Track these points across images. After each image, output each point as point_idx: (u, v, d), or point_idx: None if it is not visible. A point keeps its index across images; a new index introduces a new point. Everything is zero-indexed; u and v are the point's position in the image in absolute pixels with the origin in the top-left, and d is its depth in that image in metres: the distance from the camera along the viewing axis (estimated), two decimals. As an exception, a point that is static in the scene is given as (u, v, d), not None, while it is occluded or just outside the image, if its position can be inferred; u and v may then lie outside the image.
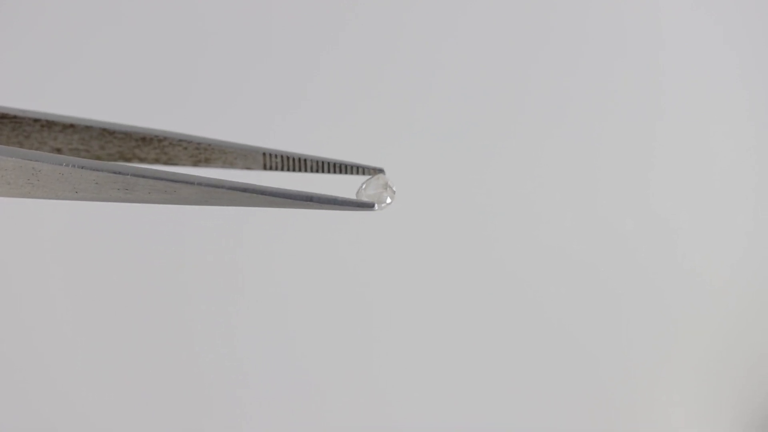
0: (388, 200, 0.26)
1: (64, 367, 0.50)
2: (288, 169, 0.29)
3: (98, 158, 0.33)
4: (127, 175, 0.27)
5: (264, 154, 0.29)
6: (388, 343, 0.57)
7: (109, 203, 0.27)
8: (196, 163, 0.32)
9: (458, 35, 0.60)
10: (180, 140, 0.30)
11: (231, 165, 0.31)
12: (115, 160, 0.32)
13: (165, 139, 0.30)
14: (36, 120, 0.30)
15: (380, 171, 0.28)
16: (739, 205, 0.64)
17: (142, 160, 0.32)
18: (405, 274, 0.57)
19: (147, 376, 0.52)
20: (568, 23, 0.62)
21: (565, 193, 0.61)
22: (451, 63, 0.60)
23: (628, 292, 0.61)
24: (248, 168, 0.30)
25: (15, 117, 0.30)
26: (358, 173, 0.28)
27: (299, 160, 0.29)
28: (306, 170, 0.29)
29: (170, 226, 0.46)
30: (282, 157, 0.29)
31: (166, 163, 0.32)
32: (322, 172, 0.29)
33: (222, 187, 0.27)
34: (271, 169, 0.30)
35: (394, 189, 0.27)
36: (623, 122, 0.62)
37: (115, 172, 0.27)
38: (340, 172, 0.29)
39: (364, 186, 0.27)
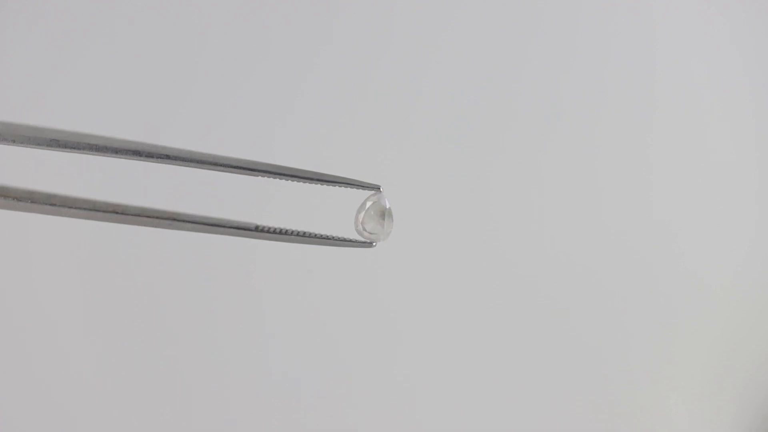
0: (388, 235, 0.26)
1: (75, 372, 0.51)
2: (279, 176, 0.28)
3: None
4: (127, 215, 0.27)
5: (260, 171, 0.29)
6: (392, 345, 0.58)
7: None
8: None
9: (452, 38, 0.57)
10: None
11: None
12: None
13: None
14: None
15: (376, 188, 0.27)
16: (740, 208, 0.62)
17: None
18: (407, 284, 0.57)
19: (159, 383, 0.53)
20: (564, 23, 0.59)
21: (566, 199, 0.60)
22: (446, 67, 0.57)
23: (630, 294, 0.61)
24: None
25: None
26: (353, 187, 0.28)
27: (292, 175, 0.28)
28: (299, 180, 0.28)
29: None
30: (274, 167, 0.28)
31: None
32: (317, 182, 0.28)
33: (221, 226, 0.27)
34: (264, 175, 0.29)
35: (392, 215, 0.27)
36: (623, 124, 0.59)
37: (111, 214, 0.27)
38: (335, 184, 0.28)
39: (361, 217, 0.27)
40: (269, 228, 0.27)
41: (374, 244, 0.27)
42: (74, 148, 0.27)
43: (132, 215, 0.27)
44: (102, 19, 0.48)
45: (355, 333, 0.56)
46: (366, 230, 0.27)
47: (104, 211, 0.27)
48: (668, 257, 0.60)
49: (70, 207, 0.27)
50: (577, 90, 0.59)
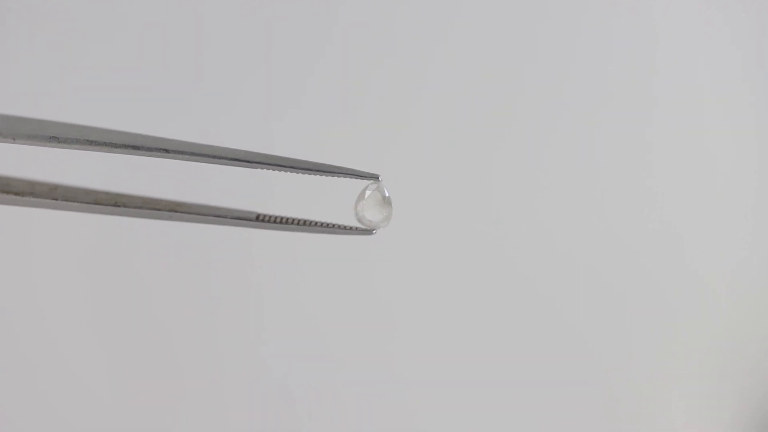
0: (388, 222, 0.26)
1: (76, 367, 0.52)
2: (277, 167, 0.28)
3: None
4: (128, 207, 0.27)
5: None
6: (390, 343, 0.58)
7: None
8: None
9: (454, 34, 0.56)
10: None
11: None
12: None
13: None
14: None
15: (375, 177, 0.27)
16: (741, 207, 0.62)
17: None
18: (407, 282, 0.57)
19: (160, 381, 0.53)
20: (566, 22, 0.58)
21: (566, 196, 0.59)
22: (448, 63, 0.57)
23: (629, 293, 0.60)
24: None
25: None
26: (352, 176, 0.27)
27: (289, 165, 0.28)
28: (298, 171, 0.28)
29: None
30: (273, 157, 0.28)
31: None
32: (315, 173, 0.28)
33: (222, 216, 0.27)
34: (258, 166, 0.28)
35: (391, 202, 0.27)
36: (624, 124, 0.59)
37: (112, 207, 0.27)
38: (334, 174, 0.28)
39: (360, 207, 0.27)
40: (270, 217, 0.27)
41: (374, 231, 0.27)
42: (73, 143, 0.27)
43: (133, 208, 0.27)
44: (103, 16, 0.48)
45: (353, 329, 0.56)
46: (366, 218, 0.27)
47: (105, 204, 0.27)
48: (668, 255, 0.61)
49: (71, 201, 0.27)
50: (580, 86, 0.59)
